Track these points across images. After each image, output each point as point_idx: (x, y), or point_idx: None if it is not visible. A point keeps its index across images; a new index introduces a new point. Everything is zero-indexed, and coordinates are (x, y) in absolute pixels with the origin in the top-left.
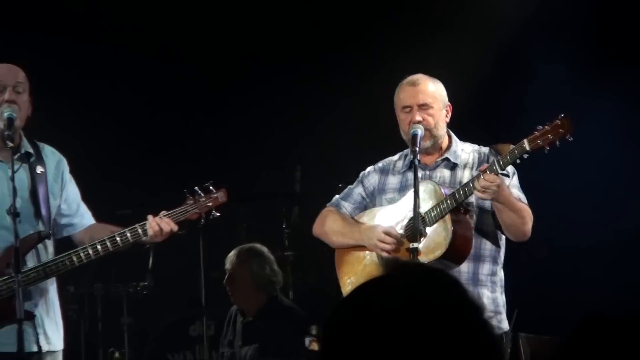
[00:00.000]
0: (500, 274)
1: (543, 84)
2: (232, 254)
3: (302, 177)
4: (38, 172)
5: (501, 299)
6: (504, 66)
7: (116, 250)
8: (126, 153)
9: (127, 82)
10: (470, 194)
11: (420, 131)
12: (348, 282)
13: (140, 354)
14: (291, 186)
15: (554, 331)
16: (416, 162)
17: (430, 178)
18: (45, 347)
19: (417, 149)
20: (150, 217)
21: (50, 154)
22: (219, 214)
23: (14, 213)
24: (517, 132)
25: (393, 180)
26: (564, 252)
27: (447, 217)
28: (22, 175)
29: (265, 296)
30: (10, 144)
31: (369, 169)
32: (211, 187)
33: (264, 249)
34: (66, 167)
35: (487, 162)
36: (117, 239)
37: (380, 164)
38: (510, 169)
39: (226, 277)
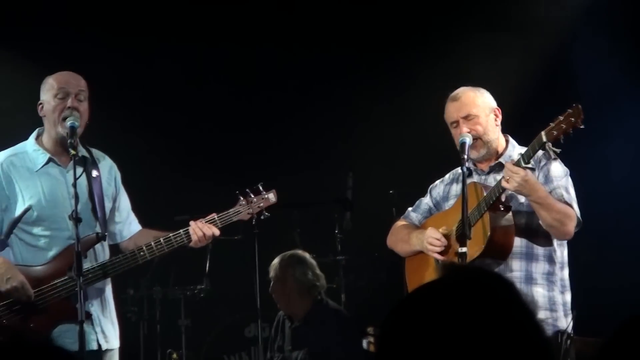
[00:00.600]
0: (561, 273)
1: (590, 85)
2: (274, 263)
3: (354, 184)
4: (93, 175)
5: (560, 298)
6: (550, 69)
7: (162, 254)
8: (186, 162)
9: (188, 93)
10: (503, 190)
11: (468, 139)
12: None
13: (197, 355)
14: (343, 193)
15: (599, 333)
16: (464, 169)
17: (485, 182)
18: (104, 346)
19: (466, 156)
20: (192, 222)
21: (102, 158)
22: (268, 214)
23: (76, 218)
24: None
25: (455, 188)
26: (611, 254)
27: (486, 216)
28: (80, 179)
29: (311, 301)
30: (73, 152)
31: (437, 181)
32: (261, 188)
33: (306, 255)
34: (118, 174)
35: (541, 163)
36: (163, 242)
37: (447, 176)
38: (562, 169)
39: (271, 285)
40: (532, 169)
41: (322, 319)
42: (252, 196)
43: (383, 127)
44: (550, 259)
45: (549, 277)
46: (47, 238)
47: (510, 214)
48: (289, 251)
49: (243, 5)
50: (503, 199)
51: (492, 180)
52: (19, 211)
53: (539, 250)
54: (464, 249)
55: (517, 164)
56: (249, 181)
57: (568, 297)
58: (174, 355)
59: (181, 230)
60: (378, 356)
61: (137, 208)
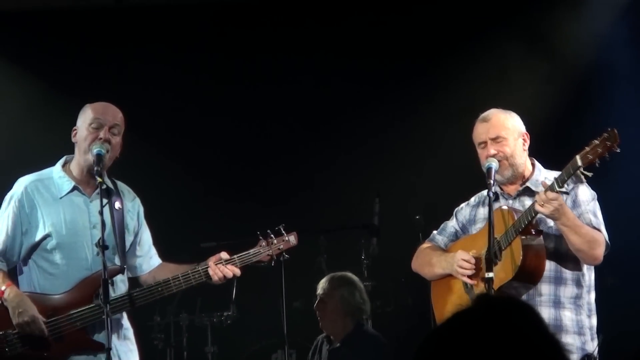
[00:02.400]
0: (588, 297)
1: (621, 106)
2: (324, 280)
3: (380, 209)
4: (116, 207)
5: (587, 322)
6: (580, 91)
7: (179, 290)
8: (213, 188)
9: (213, 119)
10: (536, 215)
11: (494, 164)
12: (443, 312)
13: None
14: (370, 218)
15: (625, 357)
16: (490, 194)
17: (512, 207)
18: None
19: (492, 182)
20: (211, 264)
21: (127, 192)
22: (288, 257)
23: (103, 245)
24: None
25: (482, 211)
26: (634, 278)
27: (516, 241)
28: (104, 210)
29: (353, 323)
30: (99, 179)
31: (463, 204)
32: (283, 230)
33: (355, 278)
34: (142, 208)
35: (567, 188)
36: (181, 279)
37: (472, 199)
38: (590, 193)
39: (317, 301)
40: (567, 194)
41: (360, 343)
42: (273, 237)
43: (410, 153)
44: (578, 283)
45: (577, 300)
46: (65, 267)
47: (541, 238)
48: (340, 272)
49: (267, 24)
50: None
51: (518, 204)
52: (38, 237)
53: (568, 274)
54: (491, 274)
55: (550, 188)
56: (277, 208)
57: (594, 321)
58: None
59: (200, 269)
60: None
61: (164, 234)
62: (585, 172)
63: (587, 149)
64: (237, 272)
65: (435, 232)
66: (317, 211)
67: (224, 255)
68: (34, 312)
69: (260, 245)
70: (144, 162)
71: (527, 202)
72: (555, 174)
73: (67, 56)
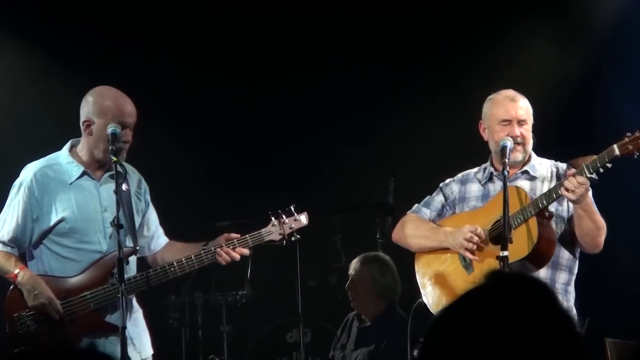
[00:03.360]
0: (573, 285)
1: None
2: (356, 260)
3: (395, 188)
4: (124, 189)
5: (573, 309)
6: (589, 78)
7: (192, 270)
8: (229, 167)
9: (229, 98)
10: (557, 198)
11: (509, 143)
12: (428, 284)
13: None
14: (385, 197)
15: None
16: (505, 173)
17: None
18: (135, 357)
19: (507, 160)
20: (218, 250)
21: (132, 172)
22: (299, 237)
23: (118, 225)
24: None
25: (474, 189)
26: None
27: (532, 221)
28: (112, 192)
29: (385, 304)
30: (114, 158)
31: (448, 180)
32: (294, 210)
33: (387, 258)
34: (147, 188)
35: (564, 177)
36: (194, 259)
37: (459, 176)
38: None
39: (348, 281)
40: (597, 180)
41: (391, 324)
42: (284, 217)
43: (425, 132)
44: (571, 270)
45: (567, 287)
46: (77, 250)
47: (552, 222)
48: (372, 252)
49: (279, 9)
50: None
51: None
52: (51, 222)
53: (564, 260)
54: (506, 253)
55: (579, 173)
56: (290, 186)
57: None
58: None
59: (213, 249)
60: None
61: (179, 213)
62: (608, 164)
63: (627, 139)
64: (246, 252)
65: (419, 204)
66: (332, 190)
67: (234, 235)
68: (49, 294)
69: (272, 225)
70: (161, 140)
71: (525, 184)
72: (549, 161)
73: (68, 28)
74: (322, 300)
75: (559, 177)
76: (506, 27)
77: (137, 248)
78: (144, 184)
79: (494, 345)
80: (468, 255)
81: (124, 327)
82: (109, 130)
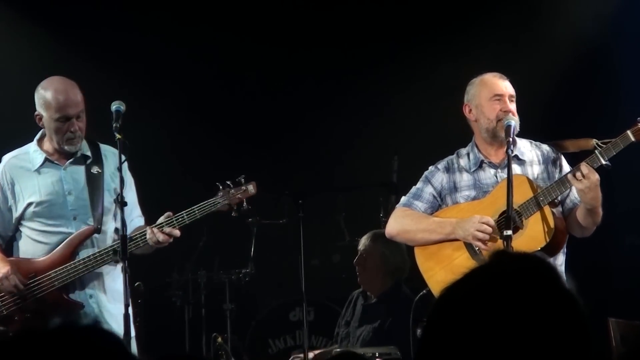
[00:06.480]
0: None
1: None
2: (366, 236)
3: (399, 167)
4: (94, 172)
5: None
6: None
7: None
8: (229, 147)
9: (229, 69)
10: (569, 187)
11: (513, 122)
12: (434, 277)
13: (242, 339)
14: (389, 176)
15: None
16: (509, 152)
17: (502, 175)
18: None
19: (511, 139)
20: (148, 229)
21: (111, 155)
22: (249, 207)
23: (122, 202)
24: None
25: (465, 178)
26: None
27: (547, 211)
28: (78, 176)
29: (391, 282)
30: (118, 136)
31: (432, 168)
32: (243, 180)
33: None
34: (127, 171)
35: (551, 159)
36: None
37: (443, 163)
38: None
39: (357, 257)
40: (609, 165)
41: (396, 301)
42: (232, 187)
43: (429, 110)
44: (564, 251)
45: (560, 267)
46: (45, 233)
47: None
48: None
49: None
50: None
51: (505, 174)
52: (20, 209)
53: (561, 242)
54: (509, 232)
55: (591, 161)
56: (293, 165)
57: None
58: (219, 339)
59: (137, 234)
60: (425, 344)
61: (180, 199)
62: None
63: None
64: (176, 233)
65: (407, 197)
66: (335, 169)
67: (168, 214)
68: (7, 269)
69: (218, 195)
70: (156, 116)
71: (517, 169)
72: (527, 141)
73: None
74: (326, 279)
75: (547, 160)
76: (511, 8)
77: (99, 227)
78: (125, 165)
79: (498, 323)
80: (480, 245)
81: (127, 304)
82: (113, 107)
